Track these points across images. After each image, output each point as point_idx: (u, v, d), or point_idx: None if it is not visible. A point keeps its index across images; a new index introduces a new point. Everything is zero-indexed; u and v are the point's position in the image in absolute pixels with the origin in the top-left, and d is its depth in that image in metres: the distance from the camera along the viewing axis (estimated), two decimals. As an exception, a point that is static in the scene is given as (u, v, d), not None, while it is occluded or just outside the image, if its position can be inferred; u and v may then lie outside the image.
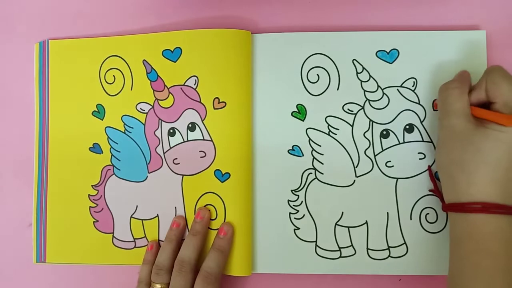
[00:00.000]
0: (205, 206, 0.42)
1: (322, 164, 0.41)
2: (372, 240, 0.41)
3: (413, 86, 0.41)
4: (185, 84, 0.42)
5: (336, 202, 0.41)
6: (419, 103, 0.41)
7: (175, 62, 0.42)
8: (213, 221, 0.41)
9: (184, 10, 0.45)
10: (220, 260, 0.39)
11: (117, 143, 0.43)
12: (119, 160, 0.43)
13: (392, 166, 0.41)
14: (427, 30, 0.41)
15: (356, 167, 0.41)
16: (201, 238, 0.40)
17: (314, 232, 0.41)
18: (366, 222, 0.41)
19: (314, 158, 0.41)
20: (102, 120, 0.43)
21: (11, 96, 0.46)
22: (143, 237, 0.43)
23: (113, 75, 0.43)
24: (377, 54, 0.41)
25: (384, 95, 0.41)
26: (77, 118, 0.44)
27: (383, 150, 0.41)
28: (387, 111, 0.41)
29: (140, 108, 0.43)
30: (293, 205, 0.41)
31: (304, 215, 0.41)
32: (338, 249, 0.41)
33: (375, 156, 0.41)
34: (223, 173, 0.41)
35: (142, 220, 0.43)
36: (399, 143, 0.41)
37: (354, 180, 0.41)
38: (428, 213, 0.40)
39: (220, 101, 0.41)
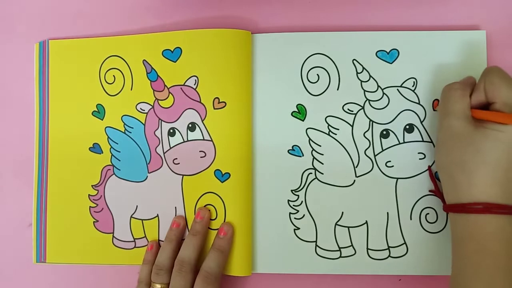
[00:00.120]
0: (205, 206, 0.42)
1: (322, 164, 0.41)
2: (372, 240, 0.41)
3: (413, 86, 0.41)
4: (185, 84, 0.42)
5: (336, 202, 0.41)
6: (419, 103, 0.41)
7: (175, 62, 0.42)
8: (213, 221, 0.41)
9: (184, 10, 0.45)
10: (220, 260, 0.39)
11: (117, 143, 0.43)
12: (119, 160, 0.43)
13: (392, 166, 0.41)
14: (427, 30, 0.41)
15: (356, 167, 0.41)
16: (201, 238, 0.40)
17: (314, 232, 0.41)
18: (366, 222, 0.41)
19: (314, 158, 0.41)
20: (102, 120, 0.43)
21: (11, 96, 0.46)
22: (143, 237, 0.43)
23: (113, 75, 0.43)
24: (377, 54, 0.41)
25: (384, 95, 0.41)
26: (77, 118, 0.44)
27: (383, 150, 0.41)
28: (387, 111, 0.41)
29: (140, 108, 0.43)
30: (293, 205, 0.41)
31: (304, 215, 0.41)
32: (338, 249, 0.41)
33: (375, 156, 0.41)
34: (223, 173, 0.41)
35: (142, 220, 0.43)
36: (399, 143, 0.41)
37: (354, 180, 0.41)
38: (428, 213, 0.40)
39: (220, 101, 0.41)
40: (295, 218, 0.41)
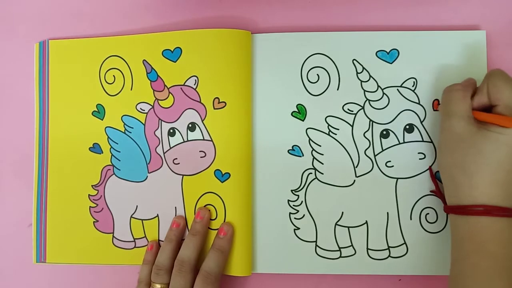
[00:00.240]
0: (205, 206, 0.42)
1: (322, 164, 0.41)
2: (372, 240, 0.41)
3: (413, 86, 0.41)
4: (185, 84, 0.42)
5: (336, 202, 0.41)
6: (419, 103, 0.41)
7: (175, 62, 0.42)
8: (213, 221, 0.41)
9: (184, 10, 0.45)
10: (220, 260, 0.39)
11: (117, 143, 0.43)
12: (119, 160, 0.43)
13: (392, 166, 0.41)
14: (427, 30, 0.41)
15: (356, 167, 0.41)
16: (201, 238, 0.40)
17: (314, 232, 0.41)
18: (366, 222, 0.41)
19: (314, 158, 0.41)
20: (102, 120, 0.43)
21: (11, 96, 0.46)
22: (143, 237, 0.43)
23: (113, 75, 0.43)
24: (377, 54, 0.41)
25: (384, 95, 0.41)
26: (77, 118, 0.44)
27: (383, 150, 0.41)
28: (387, 111, 0.41)
29: (140, 108, 0.43)
30: (293, 205, 0.41)
31: (304, 215, 0.41)
32: (338, 249, 0.41)
33: (375, 156, 0.41)
34: (223, 173, 0.41)
35: (142, 220, 0.43)
36: (399, 143, 0.41)
37: (354, 180, 0.41)
38: (428, 213, 0.40)
39: (220, 101, 0.41)
40: (295, 218, 0.41)
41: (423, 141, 0.41)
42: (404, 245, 0.40)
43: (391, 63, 0.41)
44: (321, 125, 0.42)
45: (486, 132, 0.34)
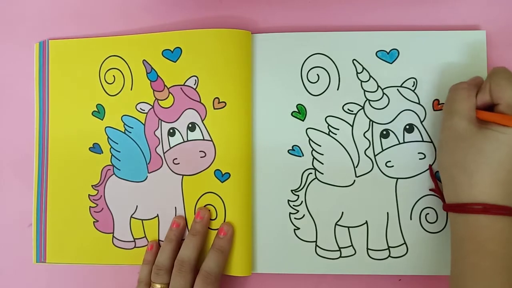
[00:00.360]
0: (205, 206, 0.42)
1: (322, 164, 0.41)
2: (372, 240, 0.41)
3: (413, 86, 0.41)
4: (185, 84, 0.42)
5: (336, 202, 0.41)
6: (419, 103, 0.41)
7: (175, 62, 0.42)
8: (213, 221, 0.41)
9: (184, 10, 0.45)
10: (220, 260, 0.39)
11: (117, 143, 0.43)
12: (119, 160, 0.43)
13: (392, 166, 0.41)
14: (427, 30, 0.41)
15: (356, 167, 0.41)
16: (201, 238, 0.40)
17: (314, 232, 0.41)
18: (366, 222, 0.41)
19: (314, 158, 0.41)
20: (102, 120, 0.43)
21: (11, 96, 0.46)
22: (143, 237, 0.43)
23: (113, 75, 0.43)
24: (377, 54, 0.41)
25: (384, 95, 0.41)
26: (77, 118, 0.44)
27: (383, 150, 0.41)
28: (387, 111, 0.41)
29: (140, 108, 0.43)
30: (293, 205, 0.41)
31: (304, 215, 0.41)
32: (338, 249, 0.41)
33: (375, 156, 0.41)
34: (223, 173, 0.41)
35: (142, 220, 0.43)
36: (399, 143, 0.41)
37: (354, 180, 0.41)
38: (428, 213, 0.40)
39: (220, 101, 0.41)
40: (295, 218, 0.41)
41: (423, 141, 0.41)
42: (404, 245, 0.40)
43: (391, 63, 0.41)
44: (321, 125, 0.42)
45: (487, 131, 0.34)
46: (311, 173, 0.41)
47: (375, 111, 0.41)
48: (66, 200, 0.43)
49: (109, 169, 0.43)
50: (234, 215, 0.41)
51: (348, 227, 0.41)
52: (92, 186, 0.43)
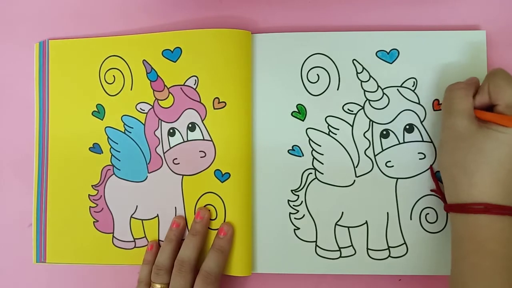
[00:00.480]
0: (205, 206, 0.42)
1: (322, 164, 0.41)
2: (372, 240, 0.41)
3: (413, 86, 0.41)
4: (185, 84, 0.42)
5: (336, 202, 0.41)
6: (419, 103, 0.41)
7: (175, 62, 0.42)
8: (213, 221, 0.41)
9: (184, 10, 0.45)
10: (220, 260, 0.39)
11: (117, 143, 0.43)
12: (119, 160, 0.43)
13: (392, 166, 0.41)
14: (427, 30, 0.41)
15: (356, 167, 0.41)
16: (201, 238, 0.40)
17: (314, 232, 0.41)
18: (366, 222, 0.41)
19: (314, 158, 0.41)
20: (102, 120, 0.43)
21: (11, 96, 0.46)
22: (143, 237, 0.43)
23: (113, 75, 0.43)
24: (377, 54, 0.41)
25: (384, 95, 0.41)
26: (77, 118, 0.44)
27: (383, 150, 0.41)
28: (387, 111, 0.41)
29: (140, 108, 0.43)
30: (293, 205, 0.41)
31: (304, 215, 0.41)
32: (338, 249, 0.41)
33: (375, 156, 0.41)
34: (223, 173, 0.41)
35: (142, 220, 0.43)
36: (399, 143, 0.41)
37: (354, 180, 0.41)
38: (428, 213, 0.40)
39: (220, 101, 0.41)
40: (295, 218, 0.41)
41: (423, 141, 0.41)
42: (404, 245, 0.40)
43: (391, 63, 0.41)
44: (321, 125, 0.42)
45: (487, 131, 0.34)
46: (311, 173, 0.41)
47: (375, 111, 0.41)
48: (66, 200, 0.43)
49: (109, 169, 0.43)
50: (234, 215, 0.41)
51: (348, 227, 0.41)
52: (92, 186, 0.43)
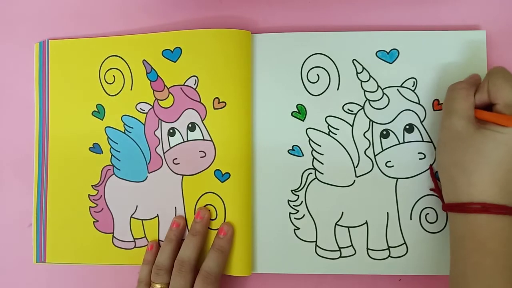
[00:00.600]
0: (205, 206, 0.42)
1: (322, 164, 0.41)
2: (372, 240, 0.41)
3: (413, 86, 0.41)
4: (185, 84, 0.42)
5: (336, 202, 0.41)
6: (419, 103, 0.41)
7: (175, 62, 0.42)
8: (213, 221, 0.41)
9: (184, 10, 0.45)
10: (220, 260, 0.39)
11: (117, 143, 0.43)
12: (119, 160, 0.43)
13: (392, 166, 0.41)
14: (427, 30, 0.41)
15: (356, 167, 0.41)
16: (201, 238, 0.40)
17: (314, 232, 0.41)
18: (366, 222, 0.41)
19: (314, 158, 0.41)
20: (102, 120, 0.43)
21: (11, 96, 0.46)
22: (143, 237, 0.43)
23: (113, 75, 0.43)
24: (377, 54, 0.41)
25: (384, 95, 0.41)
26: (77, 118, 0.44)
27: (383, 150, 0.41)
28: (387, 111, 0.41)
29: (140, 108, 0.43)
30: (293, 205, 0.41)
31: (304, 215, 0.41)
32: (338, 249, 0.41)
33: (375, 156, 0.41)
34: (223, 173, 0.41)
35: (142, 220, 0.43)
36: (399, 143, 0.41)
37: (354, 180, 0.41)
38: (428, 213, 0.40)
39: (220, 101, 0.41)
40: (295, 218, 0.41)
41: (423, 141, 0.41)
42: (404, 245, 0.40)
43: (391, 63, 0.41)
44: (321, 125, 0.42)
45: (485, 131, 0.34)
46: (311, 173, 0.41)
47: (375, 111, 0.41)
48: (66, 200, 0.43)
49: (109, 169, 0.43)
50: (234, 215, 0.41)
51: (348, 227, 0.41)
52: (92, 186, 0.43)
